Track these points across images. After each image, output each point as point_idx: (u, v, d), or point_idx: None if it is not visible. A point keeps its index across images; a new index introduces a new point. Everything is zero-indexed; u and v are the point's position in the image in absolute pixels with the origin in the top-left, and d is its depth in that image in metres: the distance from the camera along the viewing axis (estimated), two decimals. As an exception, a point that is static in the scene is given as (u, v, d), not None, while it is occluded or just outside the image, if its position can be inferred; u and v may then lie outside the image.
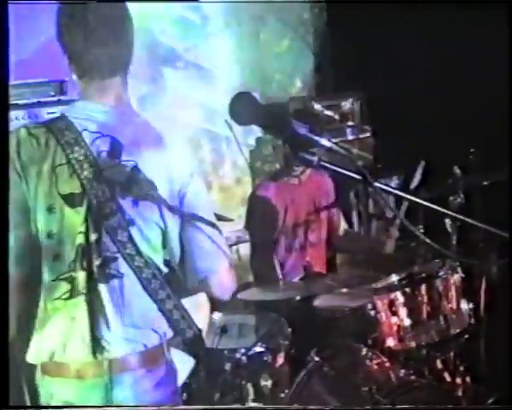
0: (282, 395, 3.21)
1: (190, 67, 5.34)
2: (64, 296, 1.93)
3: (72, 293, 1.91)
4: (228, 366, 3.15)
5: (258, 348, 3.24)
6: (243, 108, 1.59)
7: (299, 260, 3.92)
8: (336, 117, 5.35)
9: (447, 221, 3.51)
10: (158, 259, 2.01)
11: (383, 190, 1.74)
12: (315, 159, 1.61)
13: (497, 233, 2.16)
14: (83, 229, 1.89)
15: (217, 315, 3.54)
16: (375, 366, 3.21)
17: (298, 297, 3.24)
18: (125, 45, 2.02)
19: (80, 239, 1.89)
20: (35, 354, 1.99)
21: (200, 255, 2.06)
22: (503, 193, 3.87)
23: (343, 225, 4.20)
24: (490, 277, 3.88)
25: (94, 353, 1.90)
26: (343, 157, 1.69)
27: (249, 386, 3.24)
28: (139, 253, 1.93)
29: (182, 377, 2.48)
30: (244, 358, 3.14)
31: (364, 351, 3.27)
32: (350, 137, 5.38)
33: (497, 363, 3.98)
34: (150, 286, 1.95)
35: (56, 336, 1.95)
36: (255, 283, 3.92)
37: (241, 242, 4.20)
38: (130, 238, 1.92)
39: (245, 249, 4.87)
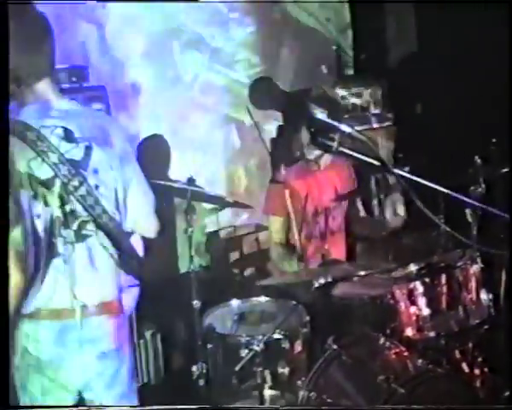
0: (299, 382, 3.20)
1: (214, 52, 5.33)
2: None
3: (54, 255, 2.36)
4: (245, 353, 3.14)
5: (276, 335, 3.23)
6: (263, 93, 1.59)
7: (319, 248, 3.92)
8: (359, 104, 5.32)
9: (468, 211, 3.47)
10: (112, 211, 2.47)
11: (402, 176, 1.73)
12: (334, 144, 1.61)
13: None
14: (58, 204, 2.30)
15: (235, 302, 3.56)
16: (393, 356, 3.19)
17: (316, 284, 3.22)
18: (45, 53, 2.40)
19: (57, 213, 2.30)
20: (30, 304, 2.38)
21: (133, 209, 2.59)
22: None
23: (362, 212, 4.18)
24: (510, 267, 3.85)
25: (71, 301, 2.36)
26: (363, 144, 1.69)
27: (267, 373, 3.24)
28: (104, 211, 2.37)
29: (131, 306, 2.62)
30: (262, 345, 3.12)
31: (382, 340, 3.26)
32: (374, 125, 5.35)
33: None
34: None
35: (45, 290, 2.36)
36: (274, 269, 3.93)
37: (261, 229, 4.20)
38: (97, 201, 2.36)
39: (264, 236, 4.89)
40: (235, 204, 3.28)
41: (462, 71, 5.15)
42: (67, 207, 2.33)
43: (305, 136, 3.79)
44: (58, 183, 2.29)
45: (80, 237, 2.36)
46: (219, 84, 5.18)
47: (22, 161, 2.25)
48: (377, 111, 5.42)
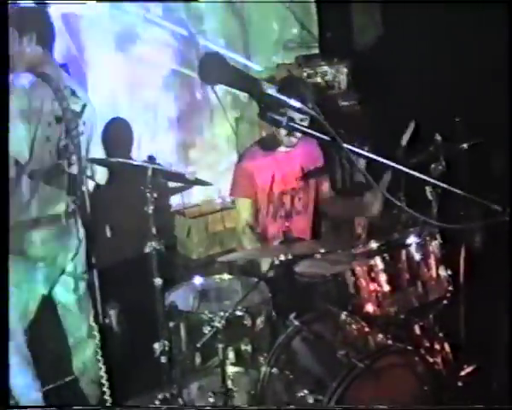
0: (262, 358, 3.23)
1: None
2: None
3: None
4: (207, 330, 3.16)
5: (238, 312, 3.24)
6: (212, 67, 1.59)
7: (282, 227, 3.93)
8: (322, 84, 5.34)
9: (428, 189, 3.51)
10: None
11: (355, 152, 1.75)
12: (284, 119, 1.62)
13: (478, 201, 2.19)
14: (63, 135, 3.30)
15: (197, 279, 3.57)
16: (354, 331, 3.24)
17: (277, 261, 3.24)
18: None
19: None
20: None
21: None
22: (485, 161, 3.90)
23: (330, 192, 4.21)
24: (470, 244, 3.91)
25: None
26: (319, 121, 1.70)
27: (229, 350, 3.26)
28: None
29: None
30: (224, 322, 3.14)
31: (344, 316, 3.30)
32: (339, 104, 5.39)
33: (476, 331, 4.04)
34: None
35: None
36: (237, 247, 3.94)
37: (227, 208, 4.20)
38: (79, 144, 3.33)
39: (229, 215, 4.91)
40: (197, 181, 3.27)
41: (427, 53, 5.18)
42: (63, 142, 3.28)
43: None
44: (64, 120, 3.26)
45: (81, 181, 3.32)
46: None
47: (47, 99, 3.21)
48: (342, 91, 5.45)
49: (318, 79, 5.32)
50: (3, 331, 1.94)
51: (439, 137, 3.75)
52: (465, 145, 3.78)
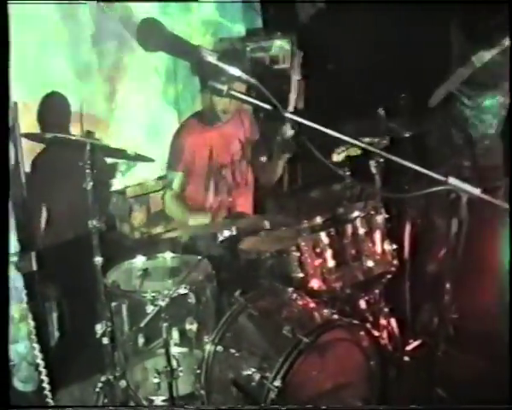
0: (206, 337, 3.19)
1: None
2: None
3: None
4: (150, 310, 3.09)
5: (182, 290, 3.18)
6: (150, 34, 1.53)
7: (225, 202, 3.89)
8: (267, 58, 5.30)
9: (372, 163, 3.51)
10: None
11: (296, 121, 1.71)
12: (224, 88, 1.57)
13: (421, 173, 2.19)
14: None
15: (139, 258, 3.50)
16: (300, 307, 3.22)
17: (221, 238, 3.19)
18: None
19: None
20: None
21: None
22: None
23: (264, 160, 4.15)
24: (414, 219, 3.95)
25: None
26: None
27: (174, 330, 3.20)
28: None
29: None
30: (167, 300, 3.07)
31: (289, 292, 3.29)
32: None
33: (421, 306, 4.09)
34: None
35: None
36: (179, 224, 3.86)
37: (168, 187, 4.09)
38: None
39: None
40: (137, 157, 3.19)
41: (373, 30, 5.19)
42: None
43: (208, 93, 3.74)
44: None
45: None
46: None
47: None
48: (285, 65, 5.40)
49: (262, 54, 5.28)
50: (3, 331, 1.87)
51: (382, 112, 3.75)
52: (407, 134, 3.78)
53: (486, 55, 4.15)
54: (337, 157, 3.53)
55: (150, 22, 1.38)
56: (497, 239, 4.24)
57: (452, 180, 2.11)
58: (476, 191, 2.13)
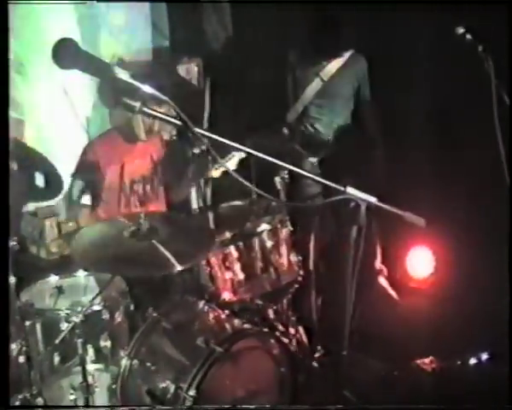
0: (122, 352, 3.24)
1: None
2: None
3: None
4: (65, 327, 3.13)
5: (96, 307, 3.25)
6: (65, 52, 1.63)
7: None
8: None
9: (277, 179, 3.69)
10: None
11: (205, 135, 1.84)
12: (137, 104, 1.68)
13: (323, 184, 2.33)
14: None
15: (53, 277, 3.52)
16: (212, 319, 3.34)
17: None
18: None
19: None
20: None
21: None
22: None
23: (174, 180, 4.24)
24: (318, 232, 4.13)
25: None
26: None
27: (89, 347, 3.25)
28: None
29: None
30: (81, 316, 3.12)
31: (201, 305, 3.40)
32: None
33: (327, 314, 4.27)
34: None
35: None
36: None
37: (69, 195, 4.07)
38: None
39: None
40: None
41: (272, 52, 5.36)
42: None
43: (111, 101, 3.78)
44: None
45: None
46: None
47: None
48: (193, 87, 5.54)
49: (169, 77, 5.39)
50: (3, 331, 1.87)
51: (286, 131, 3.94)
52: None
53: (332, 69, 4.63)
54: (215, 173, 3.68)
55: (65, 41, 1.44)
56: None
57: (350, 190, 2.26)
58: (372, 199, 2.28)
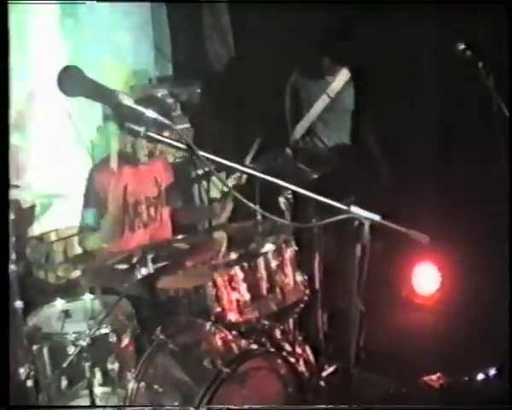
0: (129, 375, 3.25)
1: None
2: None
3: None
4: (72, 350, 3.15)
5: (103, 330, 3.26)
6: (70, 80, 1.65)
7: (142, 238, 3.97)
8: (177, 105, 5.46)
9: (281, 199, 3.72)
10: None
11: (210, 159, 1.86)
12: (142, 129, 1.70)
13: (327, 205, 2.34)
14: None
15: (59, 301, 3.54)
16: (218, 340, 3.34)
17: (139, 276, 3.26)
18: None
19: None
20: None
21: None
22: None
23: (179, 202, 4.28)
24: (322, 251, 4.14)
25: None
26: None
27: (96, 370, 3.26)
28: None
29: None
30: (88, 339, 3.14)
31: (208, 326, 3.40)
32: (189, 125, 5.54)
33: (334, 334, 4.27)
34: None
35: None
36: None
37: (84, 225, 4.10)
38: None
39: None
40: (52, 195, 3.26)
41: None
42: None
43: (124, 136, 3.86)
44: None
45: None
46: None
47: None
48: (196, 110, 5.59)
49: (172, 100, 5.42)
50: (4, 331, 1.89)
51: (289, 151, 3.96)
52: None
53: (338, 85, 4.81)
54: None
55: (70, 69, 1.47)
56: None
57: (354, 208, 2.26)
58: (376, 217, 2.29)
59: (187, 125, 5.47)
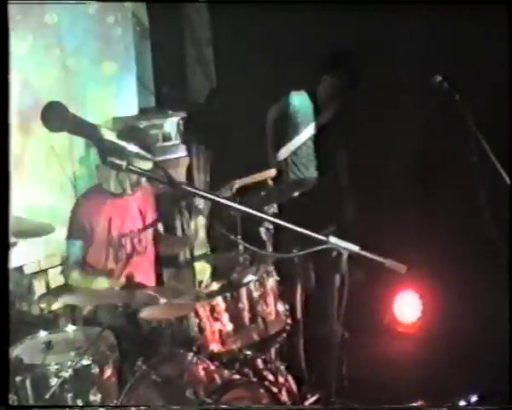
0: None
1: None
2: None
3: None
4: (54, 382, 3.14)
5: (85, 362, 3.25)
6: (54, 115, 1.69)
7: (124, 270, 3.97)
8: (159, 136, 5.49)
9: (262, 230, 3.76)
10: None
11: (190, 191, 1.89)
12: (123, 163, 1.73)
13: (307, 235, 2.37)
14: None
15: (42, 333, 3.53)
16: (201, 370, 3.35)
17: (119, 305, 3.25)
18: None
19: None
20: None
21: None
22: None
23: (161, 231, 4.33)
24: (304, 280, 4.18)
25: None
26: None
27: (79, 402, 3.25)
28: None
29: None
30: (71, 371, 3.14)
31: (190, 357, 3.41)
32: (172, 156, 5.58)
33: (316, 363, 4.29)
34: None
35: None
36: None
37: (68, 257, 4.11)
38: None
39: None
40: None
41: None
42: None
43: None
44: None
45: None
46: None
47: None
48: (177, 141, 5.63)
49: (155, 131, 5.45)
50: (3, 332, 1.88)
51: (270, 182, 4.01)
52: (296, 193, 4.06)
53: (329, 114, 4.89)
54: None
55: (54, 105, 1.50)
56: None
57: (333, 239, 2.29)
58: (355, 248, 2.32)
59: (171, 157, 5.53)
